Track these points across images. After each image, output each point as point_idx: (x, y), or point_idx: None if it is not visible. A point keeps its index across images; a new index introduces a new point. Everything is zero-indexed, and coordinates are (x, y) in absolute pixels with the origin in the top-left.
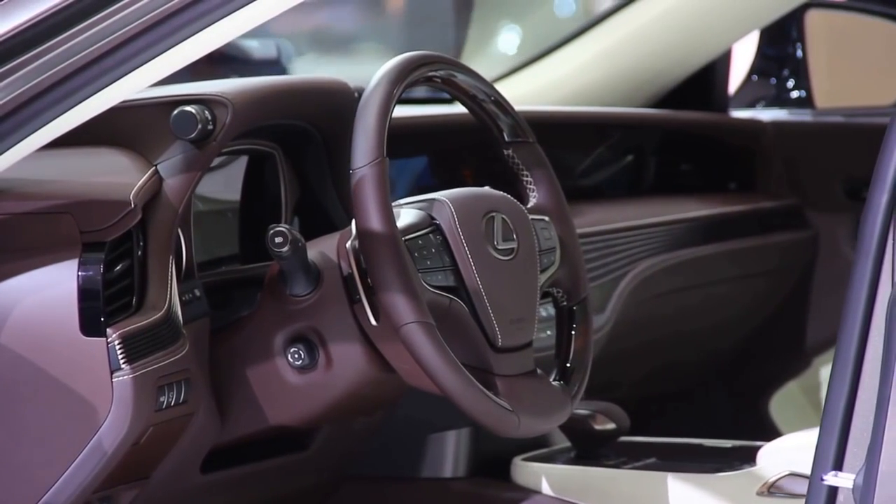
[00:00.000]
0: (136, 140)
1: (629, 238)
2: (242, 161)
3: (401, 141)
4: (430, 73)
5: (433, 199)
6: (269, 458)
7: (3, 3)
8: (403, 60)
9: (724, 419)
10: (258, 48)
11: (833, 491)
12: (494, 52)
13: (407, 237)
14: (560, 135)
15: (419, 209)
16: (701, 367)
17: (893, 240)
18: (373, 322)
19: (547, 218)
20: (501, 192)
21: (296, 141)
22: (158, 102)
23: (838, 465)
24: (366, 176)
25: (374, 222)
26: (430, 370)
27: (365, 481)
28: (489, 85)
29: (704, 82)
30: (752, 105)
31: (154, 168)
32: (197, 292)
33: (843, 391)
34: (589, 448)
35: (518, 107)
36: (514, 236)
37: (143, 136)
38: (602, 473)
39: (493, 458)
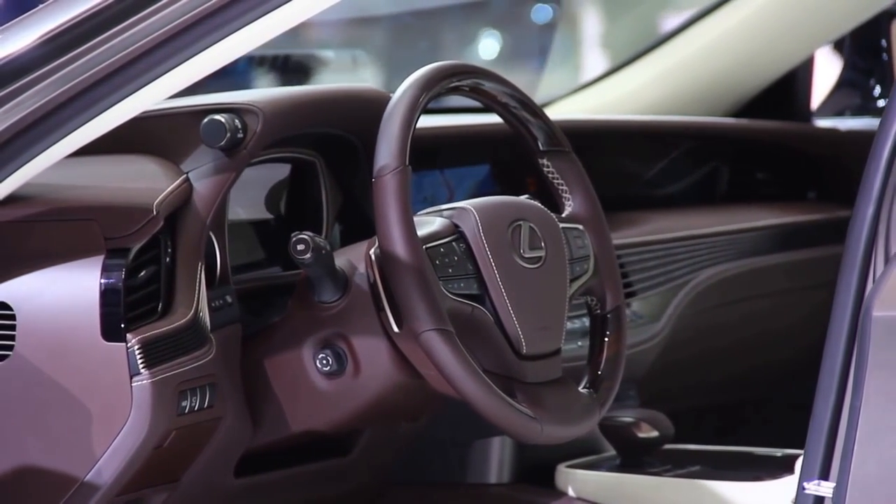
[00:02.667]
0: (168, 148)
1: (692, 246)
2: (287, 169)
3: (465, 148)
4: (458, 83)
5: (459, 208)
6: (308, 463)
7: (29, 13)
8: (431, 70)
9: (790, 431)
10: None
11: (820, 500)
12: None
13: (429, 245)
14: (634, 144)
15: (444, 217)
16: (769, 377)
17: (874, 252)
18: (395, 329)
19: (581, 227)
20: (531, 201)
21: (337, 149)
22: (189, 111)
23: (824, 475)
24: (387, 184)
25: (394, 230)
26: (450, 377)
27: (410, 487)
28: (523, 95)
29: (786, 91)
30: (839, 114)
31: (185, 176)
32: (229, 298)
33: (829, 401)
34: (634, 455)
35: (594, 116)
36: (542, 244)
37: (175, 144)
38: (645, 481)
39: (537, 465)
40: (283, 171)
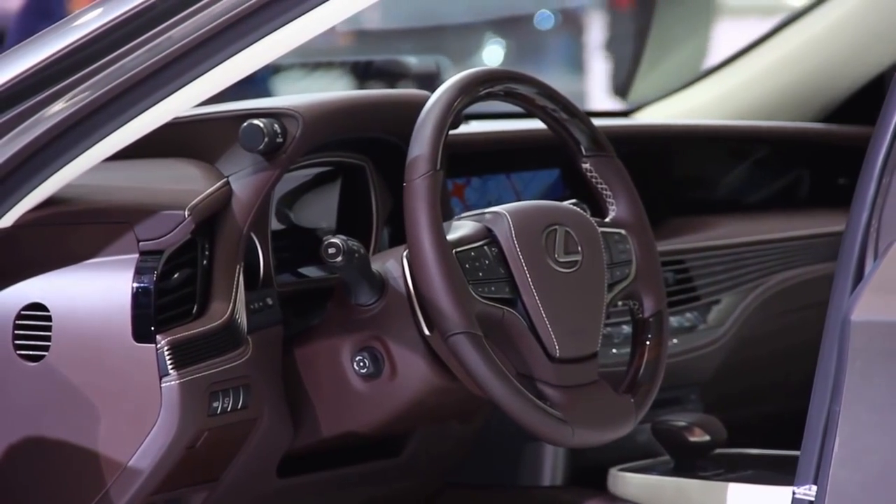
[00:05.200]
0: (210, 152)
1: (762, 251)
2: (338, 173)
3: (534, 152)
4: (492, 88)
5: (494, 212)
6: (357, 464)
7: (64, 20)
8: (465, 76)
9: None
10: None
11: None
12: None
13: (459, 249)
14: (719, 149)
15: (477, 221)
16: None
17: (866, 258)
18: (427, 332)
19: (623, 231)
20: (570, 206)
21: (386, 153)
22: (230, 116)
23: (816, 480)
24: (417, 188)
25: (423, 234)
26: (479, 380)
27: (462, 489)
28: (564, 98)
29: (876, 96)
30: None
31: (225, 180)
32: (269, 301)
33: (822, 408)
34: (687, 459)
35: (680, 121)
36: (579, 249)
37: (216, 148)
38: (698, 485)
39: (589, 468)
40: (334, 175)
